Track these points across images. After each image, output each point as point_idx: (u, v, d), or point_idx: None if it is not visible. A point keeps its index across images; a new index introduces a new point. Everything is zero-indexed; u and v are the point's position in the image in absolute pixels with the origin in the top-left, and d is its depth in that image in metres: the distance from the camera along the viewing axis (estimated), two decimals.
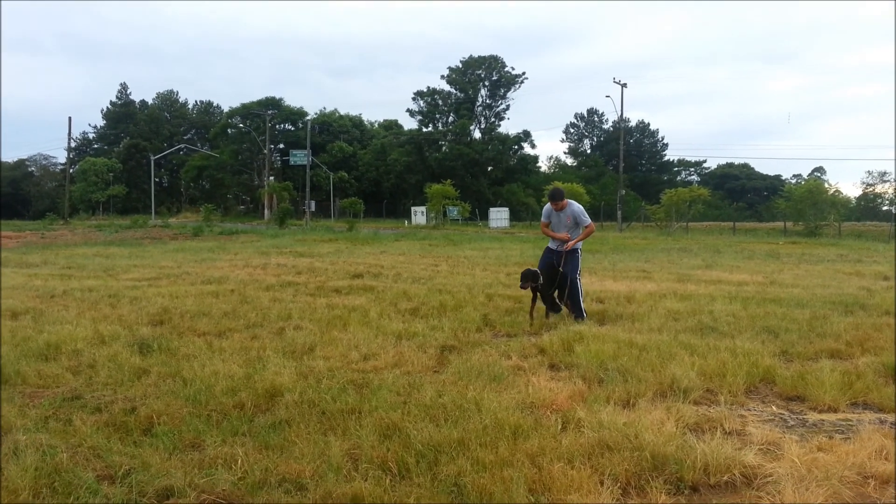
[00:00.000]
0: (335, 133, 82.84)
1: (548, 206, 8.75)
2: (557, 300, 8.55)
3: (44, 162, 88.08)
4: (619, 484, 3.49)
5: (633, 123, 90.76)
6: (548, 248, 8.79)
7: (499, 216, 57.31)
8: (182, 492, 3.29)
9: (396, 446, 3.89)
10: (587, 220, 8.59)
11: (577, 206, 8.57)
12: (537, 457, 3.76)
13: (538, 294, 8.34)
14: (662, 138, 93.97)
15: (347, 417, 4.43)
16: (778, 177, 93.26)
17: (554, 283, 8.43)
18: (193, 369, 5.60)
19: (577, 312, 8.35)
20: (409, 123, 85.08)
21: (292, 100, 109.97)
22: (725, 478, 3.59)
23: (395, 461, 3.70)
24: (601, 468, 3.64)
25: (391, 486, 3.41)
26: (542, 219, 8.93)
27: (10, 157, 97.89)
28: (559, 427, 4.29)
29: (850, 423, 4.62)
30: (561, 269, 8.43)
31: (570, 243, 8.47)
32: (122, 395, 5.01)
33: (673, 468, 3.64)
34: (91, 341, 6.77)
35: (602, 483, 3.47)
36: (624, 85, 50.74)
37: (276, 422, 4.38)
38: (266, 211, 65.78)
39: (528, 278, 8.13)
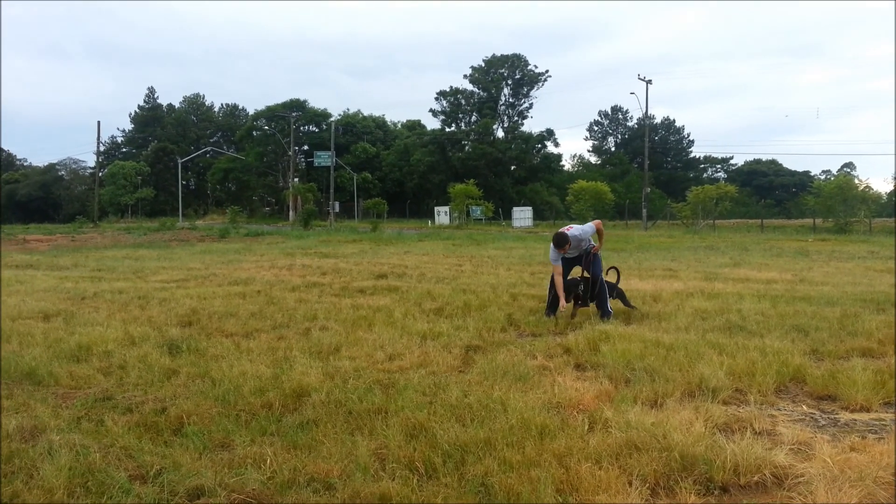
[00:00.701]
0: (358, 134, 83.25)
1: (553, 250, 8.54)
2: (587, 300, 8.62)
3: (73, 166, 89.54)
4: (647, 484, 3.46)
5: (658, 120, 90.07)
6: (564, 259, 8.69)
7: (522, 215, 57.15)
8: (212, 491, 3.33)
9: (423, 446, 3.90)
10: (589, 228, 8.68)
11: (575, 232, 8.54)
12: (564, 457, 3.75)
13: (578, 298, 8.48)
14: (688, 135, 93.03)
15: (374, 417, 4.46)
16: (807, 173, 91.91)
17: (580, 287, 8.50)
18: (222, 370, 5.67)
19: (604, 311, 8.36)
20: (432, 123, 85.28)
21: (316, 101, 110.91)
22: (756, 478, 3.54)
23: (421, 461, 3.71)
24: (629, 468, 3.62)
25: (418, 486, 3.42)
26: (553, 263, 8.57)
27: (40, 161, 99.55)
28: (586, 427, 4.26)
29: (883, 422, 4.53)
30: (585, 272, 8.58)
31: (598, 246, 8.73)
32: (152, 396, 5.08)
33: (702, 468, 3.60)
34: (121, 342, 6.88)
35: (630, 483, 3.45)
36: (649, 81, 50.35)
37: (303, 422, 4.42)
38: (291, 212, 66.25)
39: (571, 290, 8.31)
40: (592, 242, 8.71)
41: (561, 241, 8.43)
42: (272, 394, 4.95)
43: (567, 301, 8.27)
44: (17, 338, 7.15)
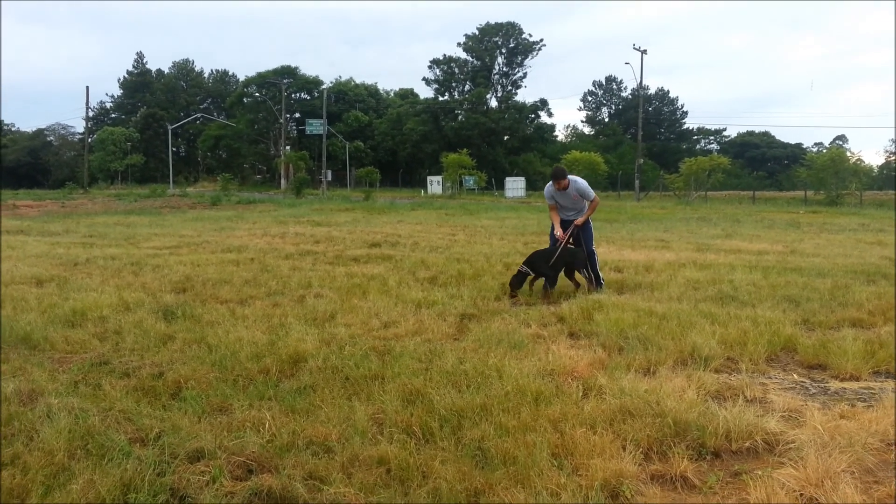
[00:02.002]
0: (351, 102, 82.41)
1: (549, 186, 8.48)
2: (575, 274, 8.48)
3: (62, 131, 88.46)
4: (641, 449, 3.52)
5: (652, 91, 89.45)
6: (563, 221, 8.58)
7: (515, 186, 56.99)
8: (212, 454, 3.36)
9: (420, 411, 3.94)
10: (592, 194, 8.45)
11: (581, 183, 8.39)
12: (559, 422, 3.80)
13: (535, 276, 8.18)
14: (682, 106, 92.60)
15: (371, 383, 4.50)
16: (799, 145, 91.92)
17: (565, 259, 8.24)
18: (218, 336, 5.69)
19: (596, 281, 8.33)
20: (425, 92, 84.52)
21: (308, 69, 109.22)
22: (747, 444, 3.61)
23: (419, 425, 3.76)
24: (623, 433, 3.68)
25: (416, 450, 3.46)
26: (548, 201, 8.65)
27: (28, 126, 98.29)
28: (580, 394, 4.32)
29: (872, 391, 4.61)
30: (573, 244, 8.40)
31: (580, 220, 8.36)
32: (148, 361, 5.10)
33: (695, 434, 3.66)
34: (116, 308, 6.88)
35: (624, 448, 3.51)
36: (644, 51, 49.93)
37: (301, 387, 4.45)
38: (283, 180, 65.90)
39: (517, 285, 7.95)
40: (584, 206, 8.44)
41: (559, 173, 8.30)
42: (269, 360, 4.98)
43: (513, 297, 7.82)
44: (11, 303, 7.14)
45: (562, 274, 8.40)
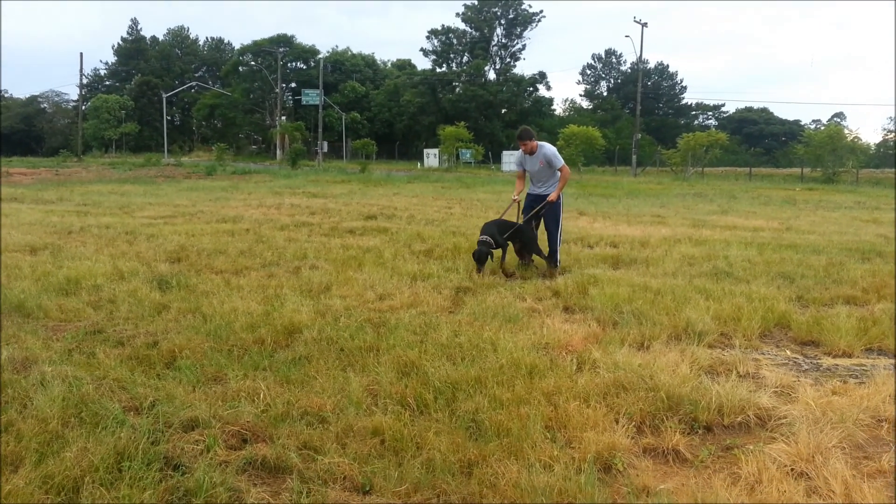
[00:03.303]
0: (347, 72, 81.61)
1: (519, 152, 8.10)
2: (525, 252, 8.07)
3: (56, 98, 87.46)
4: (633, 422, 3.54)
5: (651, 66, 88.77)
6: (529, 195, 8.18)
7: (512, 159, 56.18)
8: (207, 423, 3.37)
9: (415, 383, 3.95)
10: (560, 161, 7.91)
11: (549, 149, 7.94)
12: (553, 395, 3.82)
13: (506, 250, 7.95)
14: (681, 81, 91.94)
15: (366, 355, 4.50)
16: (797, 122, 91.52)
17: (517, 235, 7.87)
18: (213, 306, 5.69)
19: (552, 261, 7.84)
20: (423, 63, 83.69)
21: (304, 38, 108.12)
22: (739, 419, 3.63)
23: (413, 397, 3.77)
24: (616, 407, 3.70)
25: (410, 421, 3.48)
26: (516, 167, 8.20)
27: (22, 93, 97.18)
28: (574, 367, 4.34)
29: (864, 368, 4.64)
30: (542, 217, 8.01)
31: (554, 194, 7.86)
32: (143, 330, 5.10)
33: (687, 408, 3.68)
34: (110, 277, 6.86)
35: (617, 421, 3.53)
36: (644, 24, 49.45)
37: (296, 357, 4.46)
38: (278, 151, 65.44)
39: (481, 259, 7.46)
40: (554, 175, 7.96)
41: (524, 133, 7.84)
42: (264, 330, 4.98)
43: (479, 272, 7.37)
44: (4, 270, 7.11)
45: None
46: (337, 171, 39.23)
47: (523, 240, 7.97)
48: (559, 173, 7.97)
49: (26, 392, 3.74)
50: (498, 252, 7.85)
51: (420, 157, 63.57)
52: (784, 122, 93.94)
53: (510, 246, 8.06)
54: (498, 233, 7.76)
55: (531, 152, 7.93)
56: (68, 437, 3.19)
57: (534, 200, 8.09)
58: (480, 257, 7.47)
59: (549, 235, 8.03)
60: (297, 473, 2.97)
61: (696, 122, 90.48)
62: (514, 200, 8.11)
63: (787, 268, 7.98)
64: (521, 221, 8.02)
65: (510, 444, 3.22)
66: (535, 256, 8.05)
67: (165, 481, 2.86)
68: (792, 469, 3.09)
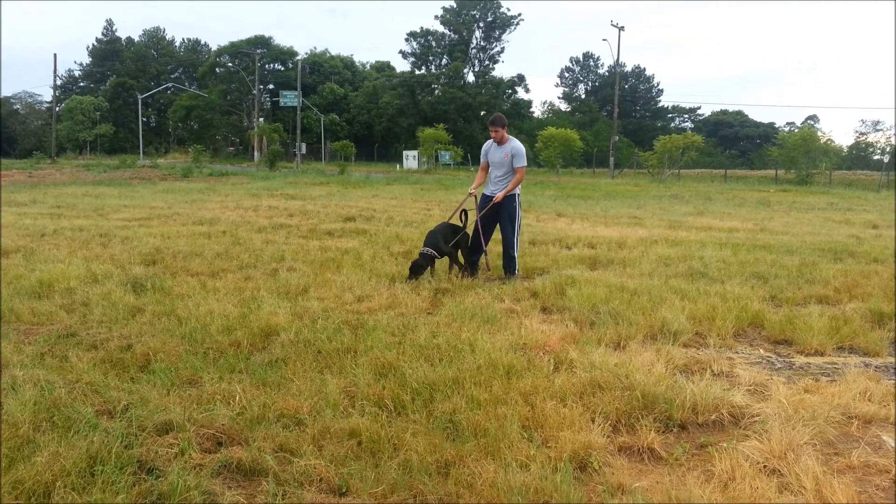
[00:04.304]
0: (326, 74, 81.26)
1: (488, 142, 7.77)
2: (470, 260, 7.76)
3: (29, 100, 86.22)
4: (609, 421, 3.57)
5: (629, 69, 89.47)
6: (484, 196, 7.81)
7: None
8: (181, 426, 3.33)
9: (392, 384, 3.95)
10: (523, 161, 7.58)
11: (517, 146, 7.61)
12: (530, 395, 3.84)
13: (455, 255, 7.64)
14: (658, 84, 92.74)
15: (343, 356, 4.48)
16: (771, 124, 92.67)
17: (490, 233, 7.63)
18: (188, 308, 5.63)
19: (510, 269, 7.61)
20: (402, 65, 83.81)
21: (282, 39, 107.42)
22: (713, 417, 3.67)
23: (390, 398, 3.76)
24: (592, 406, 3.72)
25: (388, 422, 3.47)
26: (481, 157, 7.86)
27: None
28: (551, 367, 4.36)
29: (836, 366, 4.71)
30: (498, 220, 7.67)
31: (500, 195, 7.51)
32: (117, 333, 5.03)
33: (662, 407, 3.72)
34: (84, 280, 6.77)
35: (593, 420, 3.55)
36: (621, 28, 49.89)
37: (272, 360, 4.43)
38: (256, 153, 64.97)
39: (417, 271, 7.18)
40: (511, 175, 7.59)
41: (498, 119, 7.53)
42: (240, 333, 4.94)
43: (412, 279, 7.06)
44: None
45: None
46: (315, 173, 39.05)
47: (461, 243, 7.67)
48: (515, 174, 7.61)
49: None
50: (445, 260, 7.57)
51: (399, 159, 63.50)
52: (759, 125, 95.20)
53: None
54: (443, 241, 7.45)
55: (500, 142, 7.62)
56: (40, 441, 3.14)
57: (488, 201, 7.69)
58: (416, 270, 7.16)
59: (504, 239, 7.64)
60: (272, 476, 2.95)
61: (672, 124, 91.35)
62: (471, 194, 7.79)
63: (761, 268, 8.08)
64: (476, 217, 7.65)
65: (487, 445, 3.23)
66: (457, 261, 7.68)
67: (139, 485, 2.83)
68: (764, 466, 3.13)
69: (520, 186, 7.72)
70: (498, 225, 7.76)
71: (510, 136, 7.73)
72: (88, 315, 5.53)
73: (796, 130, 55.73)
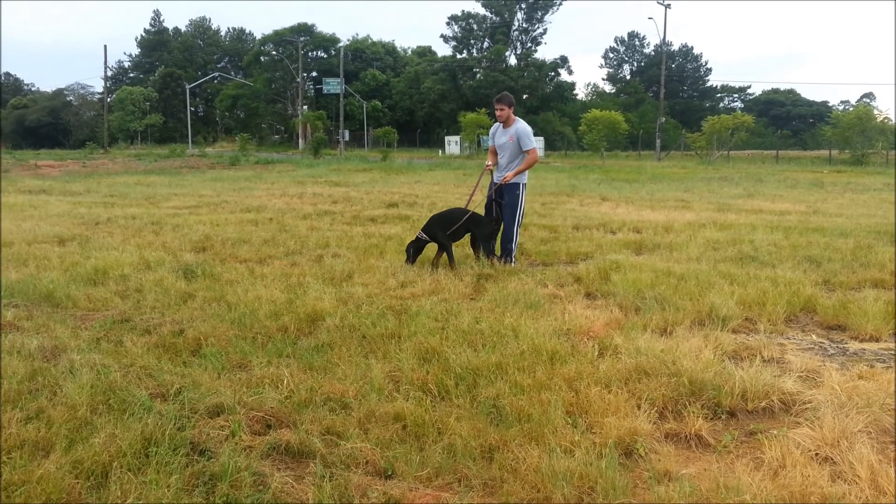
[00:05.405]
0: (368, 60, 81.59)
1: (495, 125, 7.57)
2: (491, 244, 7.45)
3: (81, 91, 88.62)
4: (655, 408, 3.53)
5: (675, 48, 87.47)
6: (492, 182, 7.65)
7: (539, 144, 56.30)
8: (231, 409, 3.42)
9: (436, 369, 3.97)
10: (531, 144, 7.29)
11: (523, 126, 7.36)
12: (574, 381, 3.81)
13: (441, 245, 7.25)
14: (706, 63, 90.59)
15: (387, 341, 4.53)
16: (825, 103, 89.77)
17: (467, 227, 7.29)
18: (237, 294, 5.75)
19: (507, 255, 7.35)
20: (443, 50, 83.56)
21: (325, 26, 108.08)
22: (763, 404, 3.60)
23: (434, 383, 3.79)
24: (638, 393, 3.68)
25: (432, 406, 3.50)
26: (489, 142, 7.58)
27: (48, 86, 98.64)
28: (596, 353, 4.32)
29: (892, 352, 4.57)
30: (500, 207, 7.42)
31: (509, 175, 7.28)
32: (169, 318, 5.17)
33: (710, 394, 3.66)
34: (137, 267, 6.96)
35: (639, 407, 3.52)
36: (668, 6, 48.70)
37: (318, 344, 4.50)
38: (300, 140, 65.73)
39: (414, 253, 7.16)
40: (519, 159, 7.38)
41: (504, 98, 7.32)
42: (287, 318, 5.03)
43: (410, 262, 7.09)
44: (34, 261, 7.24)
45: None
46: (358, 160, 39.34)
47: (480, 234, 7.37)
48: (525, 156, 7.38)
49: (56, 380, 3.82)
50: (434, 246, 7.26)
51: (441, 145, 63.43)
52: (812, 104, 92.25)
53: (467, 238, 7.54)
54: (441, 228, 7.16)
55: (505, 123, 7.40)
56: (97, 423, 3.26)
57: (496, 188, 7.48)
58: (408, 252, 7.20)
59: (504, 231, 7.43)
60: (319, 458, 3.00)
61: (721, 104, 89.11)
62: (487, 167, 7.59)
63: (814, 251, 7.86)
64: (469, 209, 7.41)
65: (531, 430, 3.23)
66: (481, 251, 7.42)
67: (191, 466, 2.91)
68: (816, 454, 3.06)
69: (526, 175, 7.53)
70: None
71: (517, 118, 7.50)
72: (142, 301, 5.70)
73: (851, 109, 53.86)
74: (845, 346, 4.74)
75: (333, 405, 3.52)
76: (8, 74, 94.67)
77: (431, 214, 7.75)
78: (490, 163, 7.62)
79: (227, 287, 6.07)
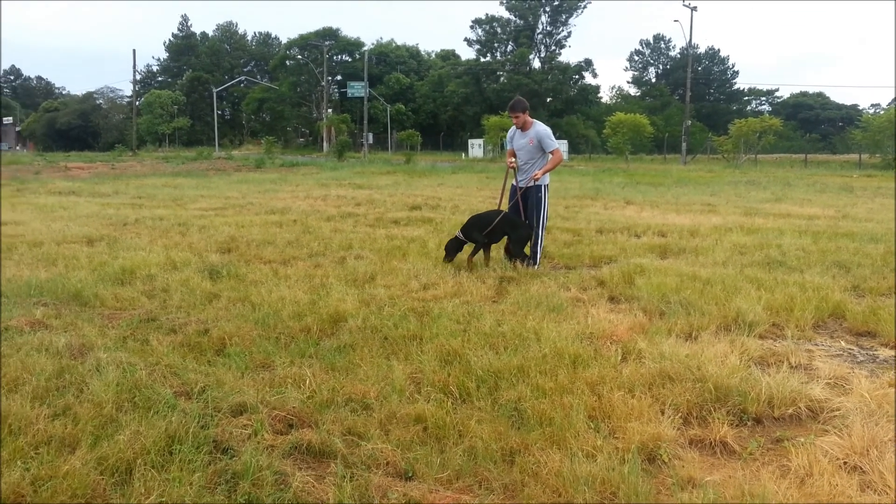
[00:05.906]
0: (392, 64, 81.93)
1: (512, 128, 7.57)
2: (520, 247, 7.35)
3: (111, 95, 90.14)
4: (680, 413, 3.49)
5: (701, 50, 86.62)
6: (513, 186, 7.59)
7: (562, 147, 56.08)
8: (254, 408, 3.44)
9: (457, 371, 3.96)
10: (553, 144, 7.24)
11: (542, 128, 7.30)
12: (597, 385, 3.78)
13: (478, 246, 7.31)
14: (733, 66, 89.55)
15: (409, 343, 4.53)
16: (855, 106, 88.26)
17: (503, 230, 7.25)
18: (261, 294, 5.80)
19: (532, 259, 7.28)
20: (467, 53, 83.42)
21: (349, 30, 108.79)
22: (790, 411, 3.54)
23: (456, 385, 3.78)
24: (662, 398, 3.64)
25: (453, 409, 3.49)
26: (506, 145, 7.57)
27: (78, 90, 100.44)
28: (619, 357, 4.29)
29: None
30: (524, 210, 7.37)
31: (538, 173, 7.21)
32: (194, 318, 5.22)
33: (736, 400, 3.60)
34: (163, 267, 7.05)
35: (663, 412, 3.48)
36: (694, 8, 48.27)
37: (341, 345, 4.51)
38: (325, 143, 66.19)
39: (452, 251, 7.27)
40: (544, 160, 7.36)
41: (517, 104, 7.28)
42: (310, 318, 5.05)
43: (447, 260, 7.16)
44: (62, 261, 7.36)
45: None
46: (382, 163, 39.48)
47: (513, 237, 7.31)
48: (550, 156, 7.35)
49: (83, 377, 3.87)
50: (470, 247, 7.31)
51: (465, 148, 63.46)
52: (841, 107, 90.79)
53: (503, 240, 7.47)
54: (478, 229, 7.20)
55: (523, 127, 7.36)
56: (122, 420, 3.30)
57: (517, 192, 7.43)
58: (447, 251, 7.30)
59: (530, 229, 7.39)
60: (341, 458, 3.01)
61: (748, 107, 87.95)
62: (511, 164, 7.48)
63: (843, 256, 7.73)
64: (503, 209, 7.41)
65: (553, 434, 3.20)
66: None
67: (214, 464, 2.93)
68: (845, 462, 3.00)
69: (548, 176, 7.51)
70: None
71: (534, 120, 7.45)
72: (168, 300, 5.76)
73: (882, 112, 52.90)
74: (875, 352, 4.65)
75: (355, 406, 3.53)
76: (39, 78, 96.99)
77: (469, 216, 7.73)
78: (512, 160, 7.56)
79: (252, 287, 6.12)
